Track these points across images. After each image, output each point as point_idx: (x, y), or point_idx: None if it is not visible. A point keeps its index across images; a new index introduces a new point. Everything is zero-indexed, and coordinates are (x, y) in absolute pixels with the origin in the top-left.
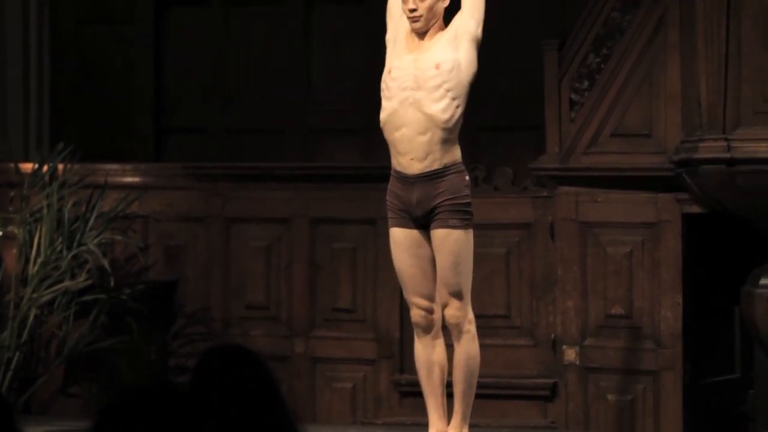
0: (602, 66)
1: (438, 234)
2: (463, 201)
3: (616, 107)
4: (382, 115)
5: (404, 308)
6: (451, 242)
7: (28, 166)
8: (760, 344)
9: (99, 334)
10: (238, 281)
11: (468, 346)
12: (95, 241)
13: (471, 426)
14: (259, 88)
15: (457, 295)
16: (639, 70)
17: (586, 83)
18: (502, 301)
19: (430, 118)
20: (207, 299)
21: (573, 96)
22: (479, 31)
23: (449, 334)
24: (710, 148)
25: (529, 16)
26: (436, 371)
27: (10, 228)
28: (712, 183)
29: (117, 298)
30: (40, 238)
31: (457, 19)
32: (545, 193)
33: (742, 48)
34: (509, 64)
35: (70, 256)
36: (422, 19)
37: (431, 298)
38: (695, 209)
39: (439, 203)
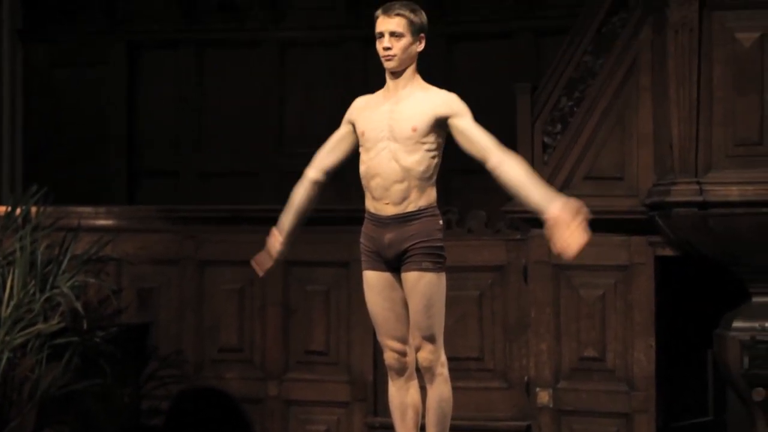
0: (575, 109)
1: (410, 277)
2: (436, 244)
3: (588, 150)
4: (362, 168)
5: (378, 350)
6: (423, 285)
7: (0, 209)
8: (733, 387)
9: (72, 377)
10: (212, 324)
11: (441, 389)
12: (68, 283)
13: None
14: (233, 130)
15: (430, 339)
16: (611, 113)
17: (558, 126)
18: (475, 343)
19: (406, 170)
20: (180, 342)
21: (546, 139)
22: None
23: (423, 376)
24: (682, 192)
25: (502, 60)
26: (410, 414)
27: None
28: (684, 226)
29: (90, 340)
30: (12, 280)
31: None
32: (518, 236)
33: (713, 92)
34: (483, 107)
35: (43, 298)
36: (395, 58)
37: (404, 341)
38: (668, 252)
39: (411, 245)
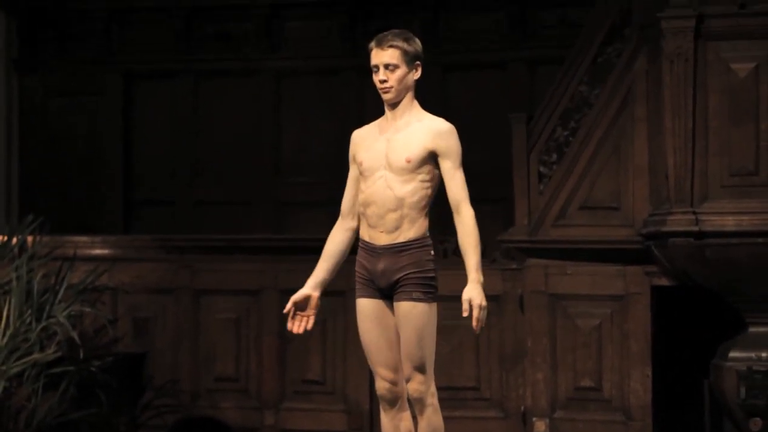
0: (570, 139)
1: (402, 307)
2: (428, 274)
3: (584, 180)
4: (361, 196)
5: (374, 379)
6: (416, 315)
7: None
8: (730, 417)
9: (68, 407)
10: (208, 353)
11: (431, 419)
12: (64, 313)
13: None
14: (228, 160)
15: (421, 369)
16: (607, 143)
17: (554, 156)
18: (471, 373)
19: (400, 199)
20: (176, 371)
21: (541, 169)
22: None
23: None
24: (678, 221)
25: (497, 89)
26: None
27: None
28: (680, 256)
29: (86, 370)
30: (9, 310)
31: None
32: (514, 266)
33: (708, 122)
34: (478, 136)
35: (39, 328)
36: (392, 90)
37: (396, 370)
38: (664, 282)
39: (403, 276)
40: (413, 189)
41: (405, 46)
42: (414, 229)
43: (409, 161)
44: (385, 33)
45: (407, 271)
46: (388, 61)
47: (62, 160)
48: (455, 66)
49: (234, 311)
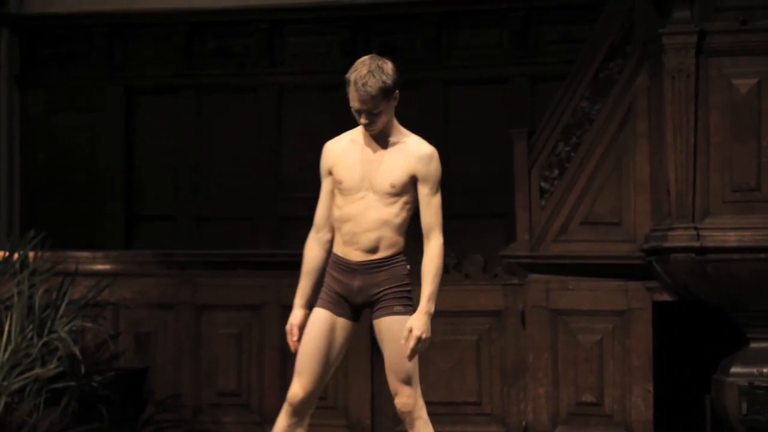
0: (572, 154)
1: (384, 322)
2: (406, 288)
3: (585, 196)
4: (336, 212)
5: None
6: (398, 329)
7: None
8: None
9: (70, 422)
10: (209, 368)
11: (423, 431)
12: (66, 328)
13: None
14: (230, 175)
15: (407, 381)
16: (608, 159)
17: (555, 171)
18: (472, 388)
19: (383, 221)
20: (178, 386)
21: (543, 184)
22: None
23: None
24: (680, 237)
25: (498, 105)
26: None
27: None
28: (681, 271)
29: (88, 385)
30: (10, 325)
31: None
32: (516, 281)
33: (710, 137)
34: (479, 151)
35: (40, 343)
36: (377, 123)
37: (317, 386)
38: (665, 297)
39: (382, 291)
40: (396, 211)
41: (383, 86)
42: (392, 246)
43: (393, 186)
44: (360, 70)
45: (386, 287)
46: (369, 109)
47: (64, 175)
48: (457, 81)
49: (235, 326)
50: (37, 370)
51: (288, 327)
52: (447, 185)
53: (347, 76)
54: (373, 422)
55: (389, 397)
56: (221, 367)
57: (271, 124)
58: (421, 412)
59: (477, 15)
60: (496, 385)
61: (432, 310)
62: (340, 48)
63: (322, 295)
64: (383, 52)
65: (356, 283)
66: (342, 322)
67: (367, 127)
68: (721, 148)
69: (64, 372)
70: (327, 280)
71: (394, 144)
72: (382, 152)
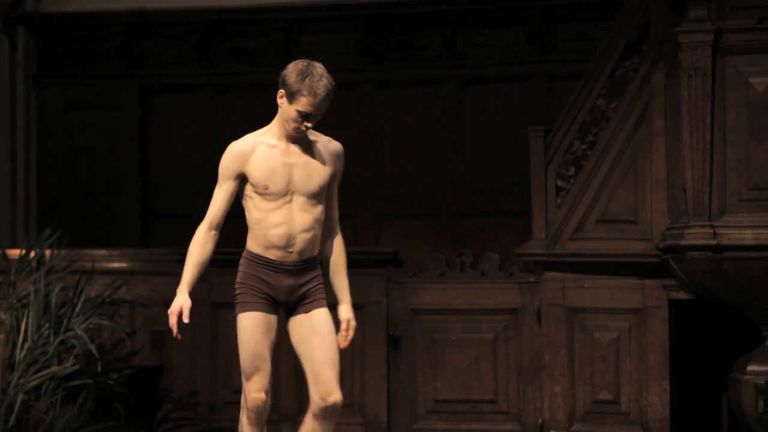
0: (588, 153)
1: (318, 314)
2: (322, 280)
3: (602, 193)
4: (258, 215)
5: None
6: (329, 319)
7: (15, 252)
8: (748, 431)
9: (86, 419)
10: (225, 366)
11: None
12: (82, 326)
13: None
14: None
15: (338, 374)
16: (624, 156)
17: (572, 169)
18: (489, 386)
19: (315, 220)
20: (194, 384)
21: (559, 182)
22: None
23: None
24: (696, 235)
25: (515, 103)
26: None
27: None
28: (698, 269)
29: (104, 383)
30: (27, 323)
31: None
32: (532, 279)
33: (726, 136)
34: (495, 150)
35: (57, 341)
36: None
37: (270, 388)
38: (682, 295)
39: (312, 285)
40: (321, 209)
41: (332, 89)
42: (317, 243)
43: (321, 187)
44: (314, 76)
45: (314, 283)
46: (317, 114)
47: (81, 174)
48: (473, 80)
49: None
50: (54, 368)
51: (176, 309)
52: (463, 184)
53: (293, 82)
54: (389, 420)
55: (406, 395)
56: (237, 365)
57: None
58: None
59: (493, 13)
60: (512, 383)
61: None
62: (357, 47)
63: (249, 298)
64: (400, 50)
65: (287, 282)
66: (274, 320)
67: (299, 131)
68: (738, 147)
69: (80, 370)
70: (248, 281)
71: (311, 144)
72: (302, 154)
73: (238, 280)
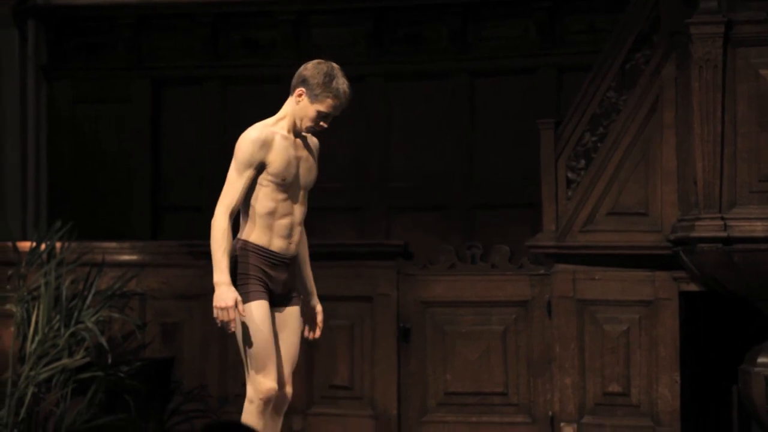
0: (598, 145)
1: (293, 311)
2: None
3: (612, 186)
4: (269, 205)
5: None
6: (299, 316)
7: (25, 245)
8: (758, 423)
9: (96, 412)
10: (235, 358)
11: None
12: (93, 318)
13: None
14: None
15: (293, 370)
16: (635, 149)
17: (582, 162)
18: (499, 378)
19: (305, 213)
20: (204, 376)
21: (569, 174)
22: None
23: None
24: (707, 227)
25: (525, 95)
26: None
27: (8, 306)
28: (708, 262)
29: (114, 375)
30: (37, 316)
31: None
32: (542, 271)
33: (737, 128)
34: (505, 142)
35: (67, 333)
36: None
37: (280, 378)
38: (692, 287)
39: (294, 283)
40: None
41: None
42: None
43: (314, 182)
44: (345, 83)
45: (294, 279)
46: (338, 114)
47: (90, 166)
48: (483, 72)
49: None
50: (65, 361)
51: (232, 302)
52: (473, 176)
53: (319, 83)
54: (399, 412)
55: (416, 388)
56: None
57: None
58: None
59: (502, 5)
60: (522, 375)
61: None
62: (366, 39)
63: (254, 287)
64: (409, 43)
65: (284, 276)
66: (271, 311)
67: (312, 130)
68: (748, 138)
69: (91, 362)
70: (251, 271)
71: (305, 140)
72: (302, 149)
73: (241, 271)
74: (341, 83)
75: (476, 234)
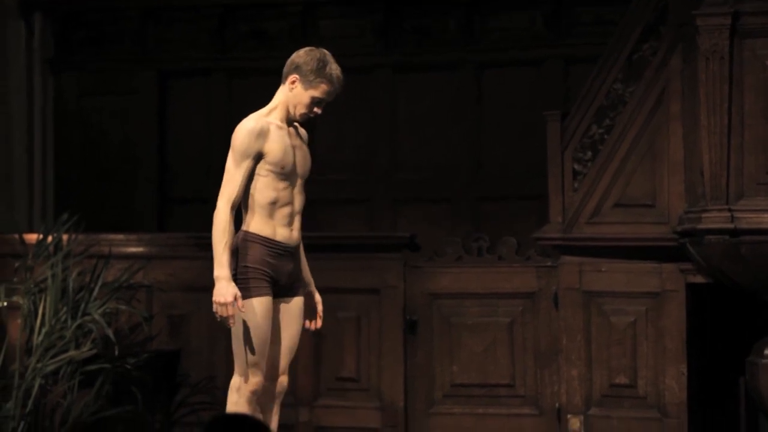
0: (605, 136)
1: (297, 302)
2: None
3: (619, 177)
4: (270, 195)
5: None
6: (302, 307)
7: (32, 237)
8: (766, 414)
9: (103, 404)
10: None
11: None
12: (100, 310)
13: None
14: None
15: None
16: (642, 140)
17: (589, 153)
18: (506, 370)
19: (304, 201)
20: (211, 368)
21: (576, 166)
22: None
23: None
24: (714, 219)
25: (532, 87)
26: None
27: (15, 298)
28: (715, 253)
29: (121, 367)
30: (44, 308)
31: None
32: (549, 263)
33: (744, 119)
34: (511, 134)
35: (74, 325)
36: None
37: (275, 372)
38: (699, 279)
39: (298, 274)
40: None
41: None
42: None
43: (310, 171)
44: (337, 68)
45: (299, 270)
46: (332, 99)
47: (97, 158)
48: (490, 64)
49: None
50: (71, 353)
51: (231, 298)
52: (479, 168)
53: (312, 69)
54: (406, 404)
55: (423, 380)
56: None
57: None
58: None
59: None
60: (529, 367)
61: None
62: (373, 31)
63: (256, 282)
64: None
65: (289, 266)
66: (274, 302)
67: (306, 117)
68: (755, 130)
69: (97, 354)
70: (258, 264)
71: (297, 129)
72: (296, 137)
73: (244, 263)
74: (334, 69)
75: (483, 226)
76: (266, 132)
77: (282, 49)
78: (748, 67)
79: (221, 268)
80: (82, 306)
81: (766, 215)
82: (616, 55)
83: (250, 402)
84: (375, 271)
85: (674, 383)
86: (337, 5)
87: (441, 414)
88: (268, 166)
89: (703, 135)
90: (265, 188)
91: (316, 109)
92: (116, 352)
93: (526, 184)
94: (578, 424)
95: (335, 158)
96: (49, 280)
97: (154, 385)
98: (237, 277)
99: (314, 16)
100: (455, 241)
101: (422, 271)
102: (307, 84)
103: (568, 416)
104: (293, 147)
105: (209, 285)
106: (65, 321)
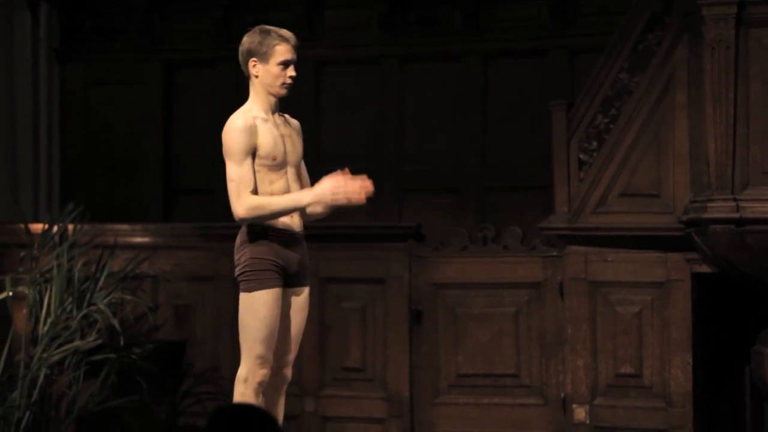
0: (610, 126)
1: (305, 293)
2: None
3: (624, 167)
4: (268, 189)
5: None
6: (308, 299)
7: (38, 227)
8: None
9: (109, 394)
10: None
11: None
12: (105, 300)
13: None
14: None
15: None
16: (647, 130)
17: (594, 143)
18: (511, 360)
19: (301, 188)
20: (216, 358)
21: (581, 156)
22: None
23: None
24: (719, 208)
25: (537, 77)
26: None
27: (20, 288)
28: (721, 243)
29: (127, 357)
30: (50, 298)
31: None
32: (554, 253)
33: (750, 109)
34: (517, 124)
35: (80, 315)
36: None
37: (281, 362)
38: (705, 269)
39: (306, 263)
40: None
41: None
42: None
43: (302, 158)
44: (279, 29)
45: (306, 257)
46: (295, 59)
47: (103, 148)
48: (496, 54)
49: None
50: (77, 343)
51: (342, 182)
52: (486, 158)
53: (261, 42)
54: (411, 394)
55: (428, 370)
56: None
57: (310, 97)
58: None
59: None
60: (534, 357)
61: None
62: (379, 21)
63: (267, 274)
64: (423, 25)
65: (297, 252)
66: (284, 292)
67: (286, 86)
68: (761, 120)
69: (103, 344)
70: (265, 255)
71: (282, 117)
72: (284, 126)
73: (251, 255)
74: (276, 29)
75: (489, 216)
76: (254, 127)
77: None
78: (754, 57)
79: (305, 196)
80: (88, 296)
81: None
82: (621, 45)
83: (257, 393)
84: (380, 261)
85: (680, 373)
86: None
87: (446, 404)
88: (260, 161)
89: (709, 124)
90: (260, 183)
91: (289, 73)
92: (122, 342)
93: (532, 174)
94: (584, 414)
95: (341, 148)
96: (55, 270)
97: (160, 375)
98: (244, 270)
99: (320, 7)
100: (460, 232)
101: (427, 261)
102: (265, 57)
103: (574, 406)
104: (282, 136)
105: (214, 275)
106: (71, 311)
